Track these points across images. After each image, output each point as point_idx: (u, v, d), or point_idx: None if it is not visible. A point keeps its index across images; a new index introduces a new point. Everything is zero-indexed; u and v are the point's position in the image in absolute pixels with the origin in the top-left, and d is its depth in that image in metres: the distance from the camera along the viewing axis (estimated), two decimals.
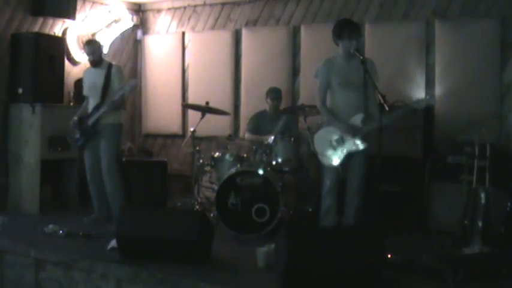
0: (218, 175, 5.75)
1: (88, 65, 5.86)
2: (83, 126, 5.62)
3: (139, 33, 8.00)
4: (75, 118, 5.71)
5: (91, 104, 5.69)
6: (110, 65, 5.68)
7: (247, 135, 6.22)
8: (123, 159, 6.66)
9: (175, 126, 7.71)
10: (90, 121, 5.57)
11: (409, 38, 6.18)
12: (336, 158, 4.68)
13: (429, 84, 6.12)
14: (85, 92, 5.83)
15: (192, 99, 7.38)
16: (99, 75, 5.62)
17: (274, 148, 5.52)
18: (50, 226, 5.10)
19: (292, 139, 5.58)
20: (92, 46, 5.68)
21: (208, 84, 7.38)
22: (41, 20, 6.67)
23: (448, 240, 4.80)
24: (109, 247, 4.48)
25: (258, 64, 7.12)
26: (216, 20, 7.51)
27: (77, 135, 5.71)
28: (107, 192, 5.57)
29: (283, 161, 5.51)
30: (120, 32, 7.56)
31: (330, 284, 3.62)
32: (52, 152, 6.22)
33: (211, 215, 5.39)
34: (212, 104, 6.16)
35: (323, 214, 4.80)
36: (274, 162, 5.50)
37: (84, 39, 6.52)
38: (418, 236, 5.18)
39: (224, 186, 5.21)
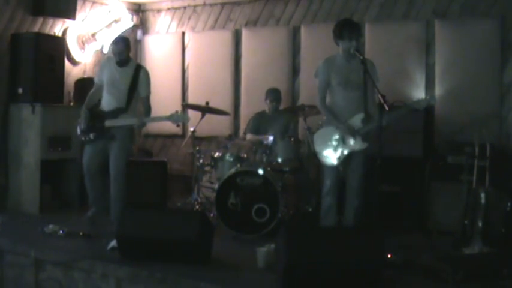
0: (218, 175, 5.75)
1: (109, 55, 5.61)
2: (97, 123, 5.40)
3: (139, 33, 8.00)
4: (85, 110, 5.46)
5: (107, 99, 5.45)
6: (138, 67, 5.50)
7: (248, 136, 6.22)
8: (126, 160, 6.65)
9: (175, 127, 7.67)
10: (109, 123, 5.36)
11: (409, 38, 6.18)
12: (336, 158, 4.68)
13: (429, 84, 6.12)
14: (99, 81, 5.56)
15: (192, 99, 7.38)
16: (125, 75, 5.42)
17: (274, 148, 5.52)
18: (50, 226, 5.10)
19: (292, 139, 5.58)
20: (120, 46, 5.41)
21: (208, 84, 7.38)
22: (41, 20, 6.67)
23: (448, 240, 4.80)
24: (109, 247, 4.48)
25: (258, 64, 7.12)
26: (216, 20, 7.51)
27: (84, 128, 5.46)
28: (111, 194, 5.46)
29: (283, 161, 5.52)
30: (120, 32, 7.55)
31: (329, 284, 3.62)
32: (52, 152, 6.22)
33: (211, 215, 5.39)
34: (212, 104, 6.17)
35: (323, 214, 4.80)
36: (274, 162, 5.51)
37: (85, 38, 6.38)
38: (418, 236, 5.18)
39: (224, 186, 5.21)
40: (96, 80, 5.66)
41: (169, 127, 7.63)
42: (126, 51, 5.47)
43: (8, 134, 6.30)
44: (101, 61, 5.75)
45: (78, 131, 5.54)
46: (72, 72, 6.98)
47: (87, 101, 5.61)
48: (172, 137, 7.74)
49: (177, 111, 5.46)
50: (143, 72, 5.51)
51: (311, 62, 6.21)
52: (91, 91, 5.66)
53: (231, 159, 5.68)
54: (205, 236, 4.23)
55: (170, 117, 5.40)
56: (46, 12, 6.59)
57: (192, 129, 6.18)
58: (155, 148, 7.88)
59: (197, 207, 5.88)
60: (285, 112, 6.22)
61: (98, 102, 5.62)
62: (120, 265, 4.14)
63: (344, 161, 4.68)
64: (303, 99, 6.49)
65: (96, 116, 5.47)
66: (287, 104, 6.67)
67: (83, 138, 5.53)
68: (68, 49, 6.87)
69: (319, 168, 5.13)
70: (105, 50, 7.39)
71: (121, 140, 5.44)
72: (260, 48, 7.12)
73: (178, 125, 5.43)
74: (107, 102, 5.49)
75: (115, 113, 5.42)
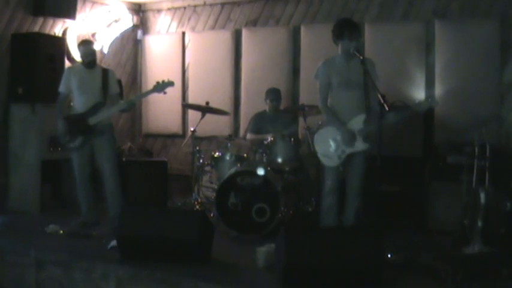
0: (218, 175, 5.75)
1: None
2: (80, 125, 5.36)
3: (139, 33, 8.00)
4: (62, 119, 5.40)
5: (81, 101, 5.39)
6: (104, 69, 5.56)
7: (249, 136, 6.22)
8: (123, 159, 6.66)
9: (175, 126, 7.72)
10: (93, 120, 5.34)
11: (409, 38, 6.18)
12: (336, 158, 4.67)
13: (429, 84, 6.12)
14: (66, 90, 5.46)
15: (192, 99, 7.38)
16: (95, 75, 5.44)
17: (274, 148, 5.52)
18: (50, 226, 5.11)
19: (292, 139, 5.58)
20: (91, 46, 5.49)
21: (208, 84, 7.39)
22: (41, 20, 6.67)
23: (448, 240, 4.80)
24: (109, 247, 4.48)
25: (258, 64, 7.12)
26: (216, 20, 7.51)
27: (67, 137, 5.39)
28: (109, 193, 5.43)
29: (283, 161, 5.52)
30: (120, 32, 7.56)
31: (329, 283, 3.63)
32: (52, 152, 6.22)
33: (211, 215, 5.39)
34: (212, 104, 6.17)
35: (323, 214, 4.79)
36: (274, 162, 5.51)
37: (80, 40, 6.38)
38: (418, 236, 5.18)
39: (224, 186, 5.21)
40: (62, 89, 5.50)
41: (169, 127, 7.70)
42: (95, 52, 5.54)
43: (8, 134, 6.30)
44: (65, 71, 5.68)
45: (63, 142, 5.46)
46: None
47: (60, 112, 5.51)
48: (172, 136, 7.76)
49: (158, 82, 5.42)
50: (111, 73, 5.58)
51: (311, 62, 6.21)
52: (58, 102, 5.55)
53: (231, 159, 5.68)
54: (205, 236, 4.24)
55: (154, 89, 5.39)
56: (46, 12, 6.59)
57: (192, 129, 6.18)
58: (155, 148, 7.89)
59: (197, 207, 5.89)
60: (285, 112, 6.22)
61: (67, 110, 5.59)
62: (120, 265, 4.15)
63: (344, 161, 4.68)
64: (303, 99, 6.49)
65: (75, 121, 5.40)
66: (287, 104, 6.67)
67: (76, 145, 5.43)
68: (68, 49, 6.87)
69: (319, 168, 5.12)
70: (105, 50, 7.41)
71: (108, 135, 5.45)
72: (260, 48, 7.12)
73: (165, 93, 5.41)
74: (81, 104, 5.42)
75: (94, 109, 5.37)
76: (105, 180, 5.45)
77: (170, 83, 5.43)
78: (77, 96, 5.46)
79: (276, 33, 7.05)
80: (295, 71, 6.94)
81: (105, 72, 5.52)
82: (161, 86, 5.39)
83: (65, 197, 6.58)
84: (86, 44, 5.52)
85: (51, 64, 6.36)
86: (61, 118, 5.44)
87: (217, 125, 6.94)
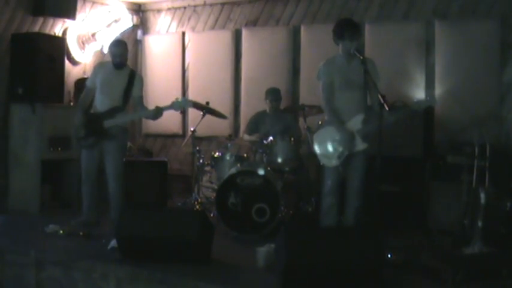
0: (218, 175, 5.75)
1: (97, 60, 5.65)
2: (95, 126, 5.37)
3: (139, 33, 8.00)
4: (80, 115, 5.43)
5: (101, 100, 5.44)
6: (132, 71, 5.56)
7: (245, 137, 6.23)
8: (123, 159, 6.65)
9: (175, 126, 7.71)
10: (108, 124, 5.35)
11: (409, 38, 6.18)
12: (335, 158, 4.67)
13: (429, 84, 6.12)
14: (92, 84, 5.51)
15: (192, 99, 7.36)
16: (121, 77, 5.44)
17: (274, 148, 5.52)
18: (50, 226, 5.11)
19: (292, 139, 5.58)
20: (122, 48, 5.47)
21: (208, 84, 7.38)
22: (41, 20, 6.67)
23: (448, 240, 4.80)
24: (109, 247, 4.48)
25: (258, 64, 7.12)
26: (216, 20, 7.51)
27: (82, 132, 5.41)
28: (111, 194, 5.44)
29: (283, 161, 5.52)
30: (120, 32, 7.55)
31: (329, 284, 3.63)
32: (52, 152, 6.22)
33: (211, 215, 5.40)
34: (212, 104, 6.17)
35: (324, 214, 4.79)
36: (274, 162, 5.51)
37: (110, 40, 6.33)
38: (418, 236, 5.18)
39: (224, 186, 5.21)
40: (89, 83, 5.57)
41: (169, 127, 7.70)
42: (126, 54, 5.52)
43: (8, 134, 6.30)
44: (95, 66, 5.72)
45: (77, 136, 5.48)
46: (72, 72, 6.99)
47: (81, 106, 5.56)
48: (172, 136, 7.75)
49: (177, 98, 5.49)
50: (138, 76, 5.61)
51: (311, 62, 6.21)
52: (82, 95, 5.62)
53: (231, 159, 5.69)
54: (205, 236, 4.24)
55: (172, 105, 5.42)
56: (46, 12, 6.59)
57: (192, 129, 6.18)
58: (155, 148, 7.88)
59: (197, 207, 5.89)
60: (285, 112, 6.22)
61: (89, 105, 5.61)
62: (120, 265, 4.15)
63: (344, 161, 4.68)
64: (303, 99, 6.49)
65: (92, 120, 5.42)
66: (287, 103, 6.67)
67: (87, 143, 5.45)
68: (68, 49, 6.87)
69: (319, 168, 5.12)
70: (105, 50, 7.40)
71: (118, 140, 5.44)
72: (260, 48, 7.12)
73: (181, 112, 5.44)
74: (100, 103, 5.46)
75: (112, 113, 5.39)
76: (108, 183, 5.46)
77: (186, 103, 5.54)
78: (98, 94, 5.50)
79: (276, 33, 7.05)
80: (295, 71, 6.94)
81: (131, 75, 5.51)
82: (178, 104, 5.43)
83: (65, 197, 6.58)
84: (114, 45, 5.55)
85: (51, 64, 6.37)
86: (80, 112, 5.47)
87: (217, 125, 6.93)
